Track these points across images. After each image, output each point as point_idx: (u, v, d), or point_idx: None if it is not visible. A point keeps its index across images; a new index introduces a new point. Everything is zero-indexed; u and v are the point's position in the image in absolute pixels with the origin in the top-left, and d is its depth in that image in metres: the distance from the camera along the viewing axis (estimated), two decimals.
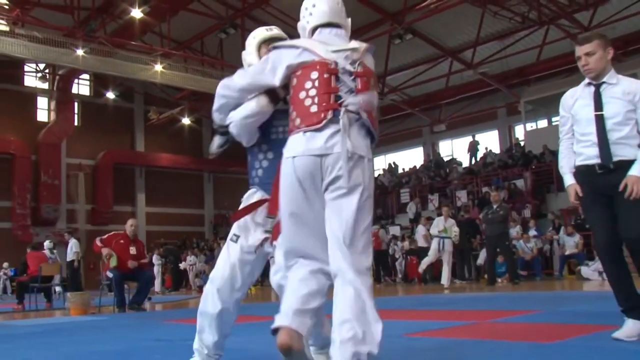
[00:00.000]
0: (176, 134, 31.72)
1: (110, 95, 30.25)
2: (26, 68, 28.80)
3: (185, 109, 29.48)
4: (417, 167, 29.01)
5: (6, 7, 19.76)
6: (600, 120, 4.05)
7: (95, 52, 20.06)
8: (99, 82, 30.18)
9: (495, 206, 14.12)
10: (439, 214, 14.93)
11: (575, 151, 4.24)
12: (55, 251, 15.95)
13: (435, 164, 28.41)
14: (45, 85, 29.12)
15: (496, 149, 26.99)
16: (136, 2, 19.00)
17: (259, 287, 19.00)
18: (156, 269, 20.46)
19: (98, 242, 10.30)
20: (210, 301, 3.31)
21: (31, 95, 29.53)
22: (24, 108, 28.96)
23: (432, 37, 23.51)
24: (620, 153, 4.00)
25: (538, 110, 25.35)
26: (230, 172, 34.15)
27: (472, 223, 17.43)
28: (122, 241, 10.29)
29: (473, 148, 27.26)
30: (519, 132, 26.70)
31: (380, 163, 31.98)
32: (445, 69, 25.06)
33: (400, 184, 27.00)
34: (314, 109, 2.80)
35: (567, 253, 16.02)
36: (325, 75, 2.81)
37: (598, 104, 4.09)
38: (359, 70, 2.86)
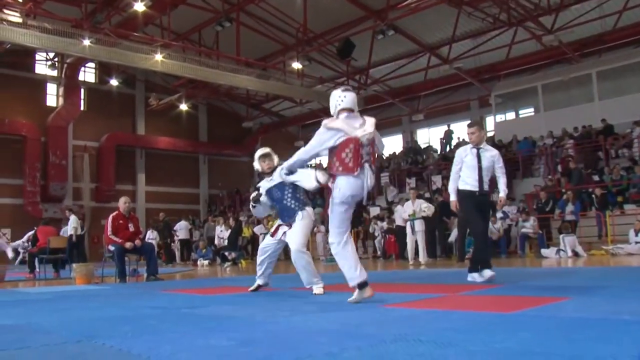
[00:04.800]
0: (174, 119, 31.78)
1: (114, 82, 30.17)
2: (37, 57, 28.75)
3: (183, 95, 29.48)
4: (397, 153, 29.07)
5: (20, 0, 19.62)
6: (480, 169, 6.78)
7: (101, 42, 19.93)
8: (104, 70, 30.14)
9: None
10: (407, 199, 14.93)
11: (465, 181, 6.87)
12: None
13: (413, 151, 28.50)
14: (55, 73, 28.96)
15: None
16: None
17: (249, 262, 19.05)
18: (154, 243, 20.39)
19: (111, 236, 10.12)
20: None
21: (41, 82, 29.42)
22: (34, 94, 28.94)
23: (412, 33, 23.53)
24: (486, 187, 6.84)
25: (507, 103, 25.48)
26: (224, 155, 34.44)
27: (446, 205, 17.46)
28: (121, 221, 10.19)
29: (448, 136, 27.35)
30: (490, 123, 26.78)
31: None
32: (423, 63, 25.10)
33: (381, 168, 27.07)
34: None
35: (522, 231, 16.27)
36: None
37: (478, 160, 6.82)
38: None
